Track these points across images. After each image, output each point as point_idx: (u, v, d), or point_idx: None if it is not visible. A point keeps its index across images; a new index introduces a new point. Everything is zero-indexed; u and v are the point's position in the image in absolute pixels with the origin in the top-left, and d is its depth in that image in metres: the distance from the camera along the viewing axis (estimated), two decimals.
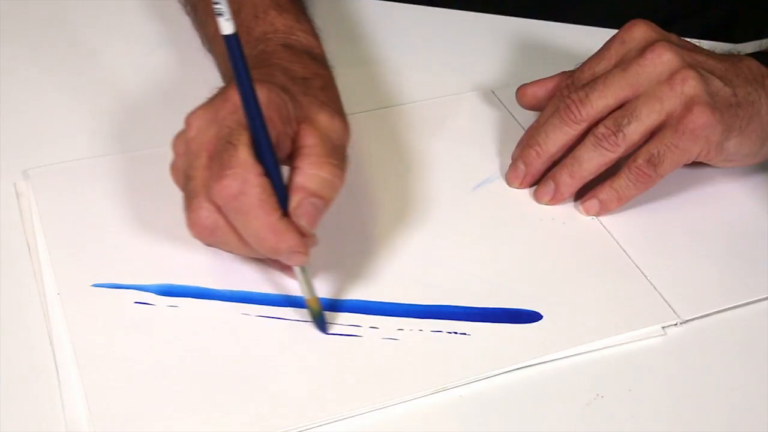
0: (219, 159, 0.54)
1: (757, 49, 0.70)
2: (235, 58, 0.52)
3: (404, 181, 0.68)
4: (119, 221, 0.64)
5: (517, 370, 0.57)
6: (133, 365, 0.55)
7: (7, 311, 0.58)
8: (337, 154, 0.57)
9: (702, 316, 0.61)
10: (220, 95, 0.56)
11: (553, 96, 0.69)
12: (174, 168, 0.58)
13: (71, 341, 0.56)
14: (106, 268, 0.60)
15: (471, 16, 0.85)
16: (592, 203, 0.66)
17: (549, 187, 0.67)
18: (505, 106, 0.75)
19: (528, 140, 0.68)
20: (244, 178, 0.53)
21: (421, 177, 0.69)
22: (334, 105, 0.60)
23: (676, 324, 0.60)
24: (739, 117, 0.64)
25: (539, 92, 0.71)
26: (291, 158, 0.56)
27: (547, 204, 0.67)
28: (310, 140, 0.56)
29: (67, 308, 0.58)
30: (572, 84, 0.67)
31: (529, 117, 0.72)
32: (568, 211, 0.67)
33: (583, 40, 0.74)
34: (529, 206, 0.67)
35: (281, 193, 0.54)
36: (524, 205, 0.68)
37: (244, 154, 0.53)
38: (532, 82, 0.72)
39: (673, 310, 0.60)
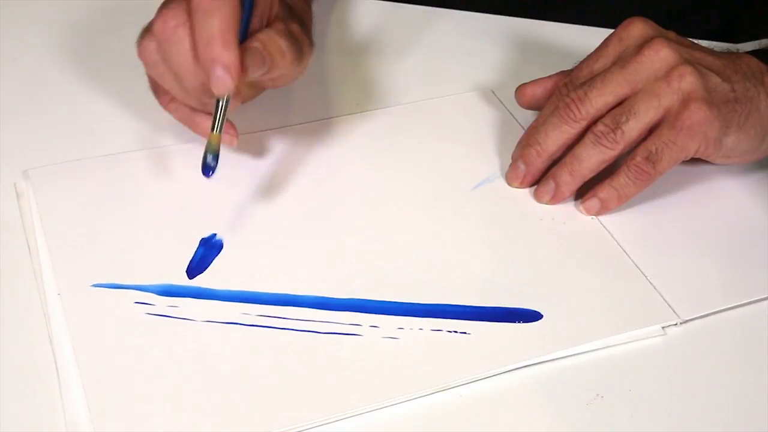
0: None
1: (757, 48, 0.70)
2: None
3: (404, 181, 0.68)
4: (119, 221, 0.64)
5: (517, 370, 0.57)
6: (133, 365, 0.55)
7: (7, 311, 0.58)
8: (296, 47, 0.62)
9: (702, 316, 0.61)
10: None
11: (552, 95, 0.69)
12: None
13: (71, 341, 0.56)
14: (106, 269, 0.60)
15: (471, 16, 0.85)
16: (593, 202, 0.66)
17: (549, 186, 0.67)
18: (505, 106, 0.75)
19: (527, 139, 0.68)
20: None
21: (421, 177, 0.69)
22: (308, 33, 0.66)
23: (676, 324, 0.60)
24: (737, 113, 0.64)
25: (538, 91, 0.72)
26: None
27: (547, 203, 0.67)
28: (279, 25, 0.62)
29: (67, 308, 0.58)
30: (571, 82, 0.67)
31: (528, 117, 0.72)
32: (568, 210, 0.67)
33: (583, 40, 0.74)
34: (529, 206, 0.67)
35: (244, 31, 0.60)
36: (524, 204, 0.68)
37: None
38: (530, 82, 0.72)
39: (673, 310, 0.60)
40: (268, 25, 0.62)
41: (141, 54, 0.62)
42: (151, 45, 0.61)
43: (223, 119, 0.61)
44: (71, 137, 0.70)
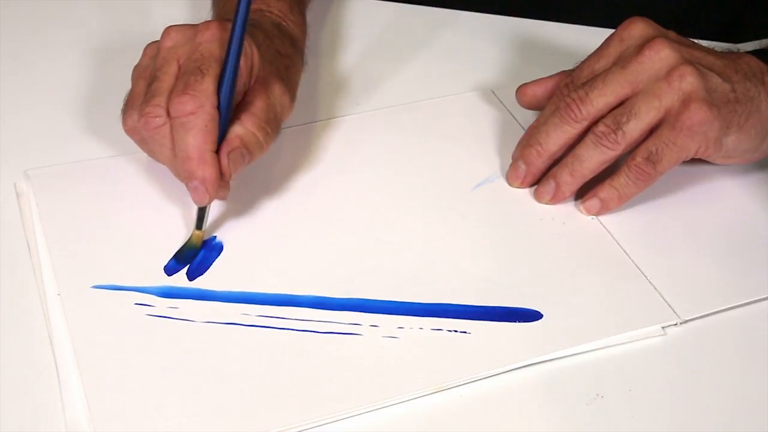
0: (186, 79, 0.60)
1: (758, 48, 0.70)
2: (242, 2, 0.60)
3: (404, 181, 0.68)
4: (119, 223, 0.64)
5: (517, 370, 0.57)
6: (133, 366, 0.55)
7: (7, 311, 0.58)
8: (274, 124, 0.64)
9: (702, 316, 0.61)
10: (204, 23, 0.63)
11: (553, 95, 0.69)
12: (139, 66, 0.64)
13: (71, 342, 0.56)
14: (106, 270, 0.60)
15: (471, 16, 0.85)
16: (593, 202, 0.66)
17: (549, 186, 0.67)
18: (505, 106, 0.75)
19: (528, 140, 0.68)
20: (202, 102, 0.59)
21: (421, 177, 0.69)
22: (291, 84, 0.67)
23: (676, 324, 0.60)
24: (737, 113, 0.64)
25: (539, 91, 0.72)
26: (236, 107, 0.62)
27: (547, 203, 0.67)
28: (259, 102, 0.63)
29: (68, 309, 0.58)
30: (572, 83, 0.67)
31: (529, 117, 0.72)
32: (568, 210, 0.67)
33: (583, 40, 0.74)
34: (530, 206, 0.67)
35: (222, 131, 0.61)
36: (524, 204, 0.68)
37: (208, 84, 0.60)
38: (531, 82, 0.72)
39: (673, 310, 0.60)
40: (251, 91, 0.63)
41: (127, 132, 0.63)
42: (134, 128, 0.62)
43: (206, 219, 0.62)
44: (71, 138, 0.70)
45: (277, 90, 0.64)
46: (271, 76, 0.64)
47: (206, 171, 0.60)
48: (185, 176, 0.60)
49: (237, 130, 0.61)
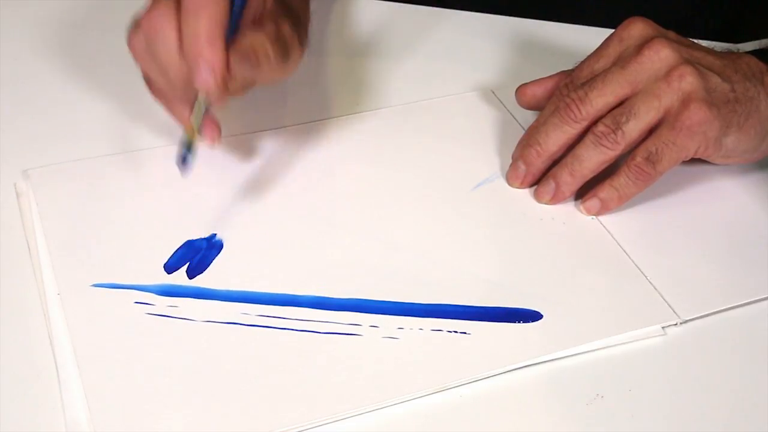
0: None
1: (757, 47, 0.70)
2: None
3: (404, 181, 0.68)
4: (119, 221, 0.64)
5: (517, 370, 0.57)
6: (133, 365, 0.55)
7: (7, 311, 0.58)
8: (284, 49, 0.62)
9: (702, 316, 0.61)
10: None
11: (553, 95, 0.69)
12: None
13: (71, 341, 0.56)
14: (106, 269, 0.60)
15: (471, 16, 0.85)
16: (593, 202, 0.66)
17: (549, 186, 0.67)
18: (505, 106, 0.75)
19: (528, 140, 0.68)
20: None
21: (421, 177, 0.69)
22: (302, 31, 0.65)
23: (676, 324, 0.60)
24: (737, 113, 0.65)
25: (538, 91, 0.72)
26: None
27: (547, 203, 0.67)
28: (269, 26, 0.61)
29: (67, 308, 0.58)
30: (571, 83, 0.67)
31: (528, 117, 0.72)
32: (568, 210, 0.67)
33: (583, 40, 0.74)
34: (530, 206, 0.67)
35: (233, 29, 0.60)
36: (524, 204, 0.68)
37: None
38: (531, 82, 0.72)
39: (673, 310, 0.60)
40: (260, 21, 0.62)
41: (129, 45, 0.62)
42: (139, 37, 0.61)
43: (201, 113, 0.61)
44: (71, 137, 0.70)
45: (287, 27, 0.63)
46: (282, 17, 0.63)
47: (215, 53, 0.58)
48: (192, 59, 0.59)
49: (246, 37, 0.60)
